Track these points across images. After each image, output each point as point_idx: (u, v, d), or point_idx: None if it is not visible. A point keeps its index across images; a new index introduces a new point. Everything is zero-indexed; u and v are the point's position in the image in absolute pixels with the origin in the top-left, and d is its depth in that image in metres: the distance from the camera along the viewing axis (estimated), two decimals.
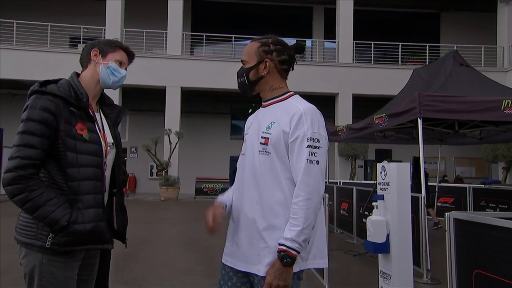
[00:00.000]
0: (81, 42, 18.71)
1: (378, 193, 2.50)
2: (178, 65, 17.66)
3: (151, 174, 19.97)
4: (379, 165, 2.48)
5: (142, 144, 17.06)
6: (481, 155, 17.39)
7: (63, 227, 1.63)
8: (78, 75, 1.93)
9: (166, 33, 18.16)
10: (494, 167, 18.60)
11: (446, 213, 2.58)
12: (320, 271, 4.57)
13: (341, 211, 8.33)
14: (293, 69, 1.95)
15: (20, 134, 1.65)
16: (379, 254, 2.49)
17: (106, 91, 2.10)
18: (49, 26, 18.06)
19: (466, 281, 2.41)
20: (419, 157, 5.76)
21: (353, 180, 16.33)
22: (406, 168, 2.37)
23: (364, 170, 19.40)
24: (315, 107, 1.75)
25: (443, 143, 9.16)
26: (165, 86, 17.46)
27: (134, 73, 16.84)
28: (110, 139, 1.96)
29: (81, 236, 1.70)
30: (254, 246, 1.72)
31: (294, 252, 1.55)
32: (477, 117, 5.76)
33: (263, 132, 1.78)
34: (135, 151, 19.70)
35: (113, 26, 17.83)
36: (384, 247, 2.37)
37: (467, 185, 10.77)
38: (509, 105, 5.28)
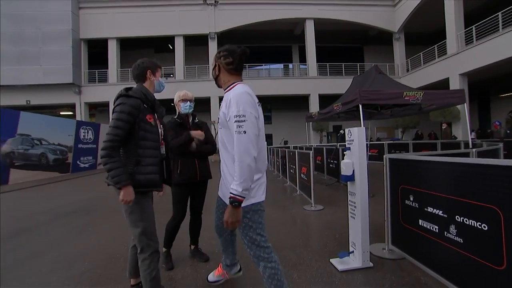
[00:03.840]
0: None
1: (346, 147, 2.41)
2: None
3: None
4: (346, 130, 2.40)
5: None
6: (389, 125, 17.17)
7: (124, 184, 1.49)
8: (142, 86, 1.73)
9: (209, 66, 17.68)
10: (396, 131, 18.31)
11: (384, 155, 2.50)
12: (308, 194, 4.58)
13: (317, 161, 8.29)
14: (241, 69, 1.56)
15: (116, 118, 1.53)
16: (348, 182, 2.40)
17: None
18: None
19: (396, 193, 2.37)
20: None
21: (321, 143, 16.21)
22: (362, 130, 2.29)
23: (326, 137, 19.19)
24: (242, 91, 1.39)
25: (371, 119, 8.96)
26: (209, 97, 16.58)
27: (195, 90, 16.95)
28: (160, 125, 1.79)
29: (142, 183, 1.58)
30: (226, 189, 1.43)
31: (239, 198, 1.29)
32: (391, 101, 5.67)
33: (219, 114, 1.51)
34: None
35: (180, 65, 17.54)
36: (351, 178, 2.35)
37: (383, 142, 10.60)
38: (407, 94, 5.35)
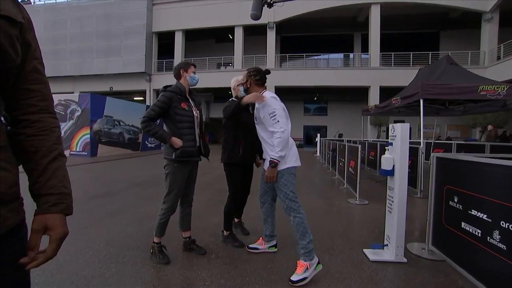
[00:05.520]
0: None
1: (388, 142, 2.43)
2: (273, 73, 17.22)
3: None
4: (390, 126, 2.38)
5: None
6: (464, 123, 15.01)
7: (167, 140, 2.04)
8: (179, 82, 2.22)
9: (266, 56, 17.97)
10: (473, 130, 15.88)
11: (431, 154, 2.44)
12: (354, 187, 4.53)
13: (370, 157, 7.97)
14: (265, 82, 2.23)
15: (153, 104, 2.10)
16: (388, 176, 2.43)
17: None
18: (207, 59, 19.05)
19: (440, 193, 2.31)
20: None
21: (378, 138, 15.23)
22: (406, 126, 2.26)
23: (386, 133, 17.81)
24: (269, 96, 2.06)
25: (438, 115, 8.07)
26: (266, 86, 17.22)
27: None
28: (196, 111, 2.25)
29: (186, 153, 2.09)
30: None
31: (276, 161, 1.94)
32: (460, 97, 5.09)
33: (254, 114, 2.20)
34: None
35: (239, 55, 18.22)
36: (391, 172, 2.36)
37: (452, 142, 9.45)
38: (484, 89, 4.74)
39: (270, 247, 2.40)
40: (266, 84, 2.27)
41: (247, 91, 2.23)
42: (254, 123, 2.32)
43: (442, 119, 12.38)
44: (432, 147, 9.01)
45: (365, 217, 3.57)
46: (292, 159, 2.05)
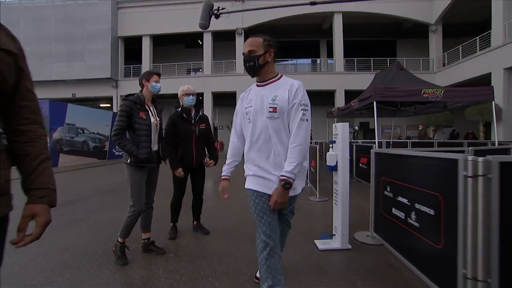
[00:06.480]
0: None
1: (332, 140, 2.66)
2: (242, 78, 17.41)
3: None
4: (333, 125, 2.63)
5: (225, 123, 17.79)
6: (421, 123, 16.36)
7: (134, 155, 2.16)
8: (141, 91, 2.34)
9: (235, 61, 18.19)
10: (428, 130, 17.30)
11: (371, 150, 2.74)
12: (315, 186, 4.80)
13: None
14: (275, 61, 1.61)
15: (118, 115, 2.21)
16: (333, 172, 2.63)
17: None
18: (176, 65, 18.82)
19: (378, 184, 2.60)
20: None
21: None
22: (346, 125, 2.50)
23: (353, 134, 18.66)
24: (302, 84, 1.51)
25: (395, 116, 8.80)
26: (235, 91, 17.19)
27: (222, 85, 17.64)
28: (156, 118, 2.36)
29: (140, 160, 2.19)
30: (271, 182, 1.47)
31: (291, 180, 1.38)
32: (407, 99, 5.65)
33: (269, 104, 1.45)
34: (221, 128, 19.59)
35: (208, 60, 18.26)
36: (335, 168, 2.58)
37: (407, 140, 10.30)
38: (426, 92, 5.26)
39: None
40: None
41: (260, 69, 1.53)
42: (190, 131, 2.55)
43: (402, 120, 13.40)
44: (391, 146, 9.77)
45: (322, 213, 3.83)
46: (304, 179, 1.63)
